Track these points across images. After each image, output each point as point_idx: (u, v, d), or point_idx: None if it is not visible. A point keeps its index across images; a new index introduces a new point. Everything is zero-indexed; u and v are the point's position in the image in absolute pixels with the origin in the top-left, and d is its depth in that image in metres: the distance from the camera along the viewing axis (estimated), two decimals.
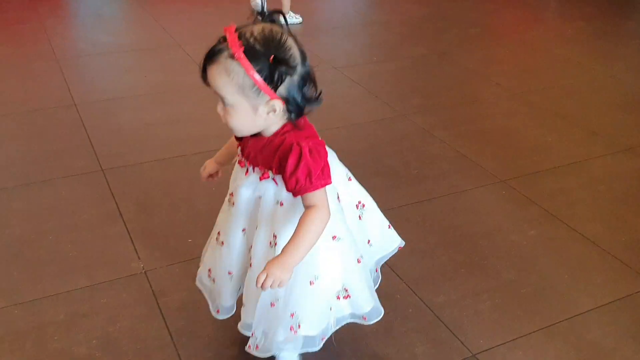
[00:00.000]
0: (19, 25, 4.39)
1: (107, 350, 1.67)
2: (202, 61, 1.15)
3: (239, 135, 1.26)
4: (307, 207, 1.22)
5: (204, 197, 2.37)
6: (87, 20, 4.81)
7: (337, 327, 1.46)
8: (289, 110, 1.17)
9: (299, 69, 1.13)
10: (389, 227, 1.57)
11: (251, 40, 1.09)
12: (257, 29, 1.12)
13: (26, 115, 3.03)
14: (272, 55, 1.09)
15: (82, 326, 1.74)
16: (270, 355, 1.45)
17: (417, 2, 5.29)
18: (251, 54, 1.09)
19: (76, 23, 4.83)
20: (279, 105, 1.14)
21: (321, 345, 1.44)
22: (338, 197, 1.35)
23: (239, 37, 1.10)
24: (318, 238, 1.22)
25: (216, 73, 1.12)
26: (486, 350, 1.71)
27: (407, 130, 3.00)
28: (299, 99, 1.15)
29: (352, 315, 1.46)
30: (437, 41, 4.37)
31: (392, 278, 1.98)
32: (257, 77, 1.09)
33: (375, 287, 1.56)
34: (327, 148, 1.29)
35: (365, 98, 3.38)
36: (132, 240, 2.11)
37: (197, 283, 1.63)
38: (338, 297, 1.40)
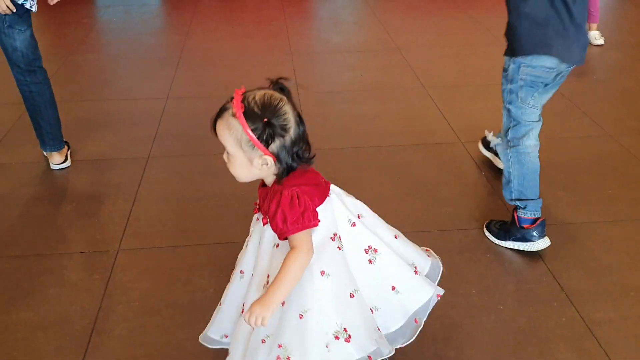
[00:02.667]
0: (267, 23, 5.04)
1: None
2: (214, 116, 1.35)
3: (240, 180, 1.39)
4: (291, 248, 1.34)
5: (386, 184, 2.59)
6: (323, 23, 5.33)
7: None
8: (280, 165, 1.32)
9: (292, 132, 1.30)
10: (417, 274, 1.54)
11: (252, 103, 1.28)
12: (259, 94, 1.30)
13: None
14: (266, 119, 1.26)
15: None
16: None
17: None
18: (249, 115, 1.27)
19: (314, 24, 5.38)
20: (270, 160, 1.30)
21: None
22: (334, 237, 1.41)
23: (243, 100, 1.28)
24: (298, 278, 1.33)
25: (221, 127, 1.31)
26: None
27: (611, 150, 2.88)
28: (288, 157, 1.31)
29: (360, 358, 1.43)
30: None
31: (552, 285, 1.99)
32: (252, 134, 1.26)
33: (409, 341, 1.52)
34: (336, 192, 1.45)
35: (572, 113, 3.30)
36: None
37: None
38: (337, 338, 1.39)
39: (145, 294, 1.98)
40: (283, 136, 1.28)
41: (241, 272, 1.52)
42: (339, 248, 1.42)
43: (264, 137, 1.27)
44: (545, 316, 1.87)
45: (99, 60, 4.28)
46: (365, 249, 1.47)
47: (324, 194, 1.42)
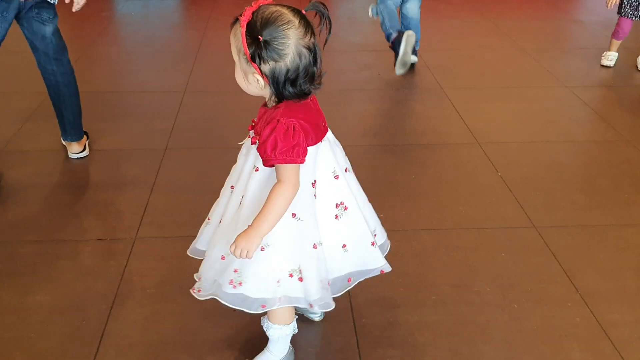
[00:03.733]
0: None
1: None
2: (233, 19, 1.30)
3: (244, 91, 1.37)
4: (277, 181, 1.32)
5: (402, 182, 2.60)
6: (341, 21, 5.33)
7: (287, 305, 1.48)
8: (273, 90, 1.28)
9: (290, 60, 1.23)
10: (373, 245, 1.52)
11: (257, 17, 1.22)
12: (271, 10, 1.24)
13: None
14: (261, 37, 1.21)
15: None
16: (209, 296, 1.50)
17: None
18: (250, 28, 1.22)
19: (332, 23, 5.38)
20: (261, 79, 1.26)
21: (259, 311, 1.47)
22: (314, 184, 1.40)
23: (256, 11, 1.23)
24: (282, 212, 1.32)
25: (231, 33, 1.30)
26: None
27: (629, 156, 2.87)
28: (280, 85, 1.25)
29: (304, 300, 1.47)
30: None
31: (567, 286, 1.99)
32: (247, 48, 1.23)
33: (339, 294, 1.54)
34: (330, 141, 1.42)
35: (590, 119, 3.29)
36: None
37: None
38: (291, 275, 1.43)
39: (161, 281, 1.99)
40: (276, 60, 1.23)
41: (231, 187, 1.50)
42: (315, 196, 1.41)
43: (256, 56, 1.23)
44: (559, 316, 1.87)
45: (117, 53, 4.32)
46: (337, 204, 1.44)
47: (318, 137, 1.38)
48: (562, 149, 2.93)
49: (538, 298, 1.95)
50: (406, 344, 1.76)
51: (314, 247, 1.42)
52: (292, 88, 1.27)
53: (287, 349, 1.64)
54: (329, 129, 1.45)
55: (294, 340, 1.69)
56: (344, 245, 1.48)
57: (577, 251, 2.17)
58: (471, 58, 4.19)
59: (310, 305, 1.48)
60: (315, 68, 1.27)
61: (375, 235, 1.58)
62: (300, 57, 1.24)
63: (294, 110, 1.30)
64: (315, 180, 1.40)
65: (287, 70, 1.24)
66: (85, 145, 2.79)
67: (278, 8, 1.25)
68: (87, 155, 2.78)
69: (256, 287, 1.43)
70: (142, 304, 1.90)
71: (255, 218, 1.32)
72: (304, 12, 1.27)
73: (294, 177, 1.31)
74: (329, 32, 1.29)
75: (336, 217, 1.44)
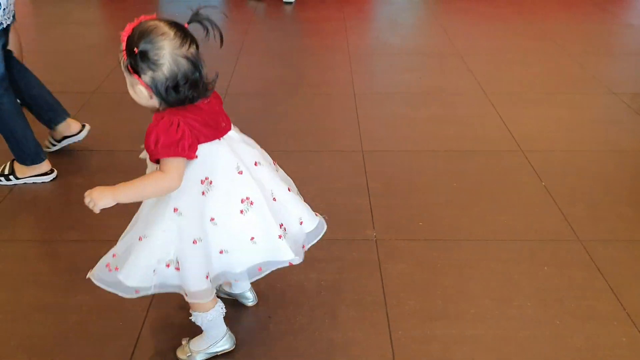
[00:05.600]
0: (326, 23, 5.05)
1: (331, 292, 1.96)
2: None
3: (138, 103, 1.43)
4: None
5: (443, 189, 2.55)
6: (382, 24, 5.30)
7: (160, 292, 1.54)
8: (158, 98, 1.35)
9: (167, 69, 1.31)
10: (280, 238, 1.54)
11: (136, 31, 1.31)
12: (149, 24, 1.32)
13: (312, 96, 3.54)
14: (136, 49, 1.29)
15: (316, 268, 2.06)
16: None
17: None
18: (128, 41, 1.31)
19: (372, 26, 5.36)
20: (144, 90, 1.34)
21: (133, 296, 1.54)
22: (204, 181, 1.43)
23: (135, 26, 1.32)
24: (148, 195, 1.43)
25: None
26: None
27: None
28: (162, 92, 1.33)
29: (179, 287, 1.54)
30: None
31: (613, 303, 1.92)
32: (126, 60, 1.32)
33: (246, 282, 1.66)
34: (230, 139, 1.47)
35: (639, 127, 3.17)
36: (371, 212, 2.38)
37: None
38: (168, 265, 1.48)
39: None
40: (154, 70, 1.31)
41: None
42: (203, 193, 1.44)
43: (134, 67, 1.31)
44: (604, 335, 1.80)
45: None
46: (242, 199, 1.47)
47: (212, 136, 1.43)
48: (609, 158, 2.83)
49: (582, 315, 1.88)
50: (444, 359, 1.72)
51: (194, 242, 1.46)
52: (176, 94, 1.34)
53: (223, 334, 1.70)
54: (232, 127, 1.51)
55: (331, 351, 1.67)
56: (252, 238, 1.51)
57: (625, 266, 2.09)
58: (515, 62, 4.10)
59: (185, 294, 1.54)
60: (197, 75, 1.35)
61: (302, 222, 1.62)
62: (177, 66, 1.32)
63: (180, 109, 1.38)
64: (207, 177, 1.44)
65: (166, 79, 1.32)
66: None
67: (155, 22, 1.33)
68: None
69: (133, 277, 1.49)
70: (181, 306, 1.90)
71: (122, 183, 1.41)
72: (186, 25, 1.36)
73: (174, 172, 1.37)
74: (222, 40, 1.41)
75: (241, 212, 1.48)
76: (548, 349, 1.76)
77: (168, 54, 1.31)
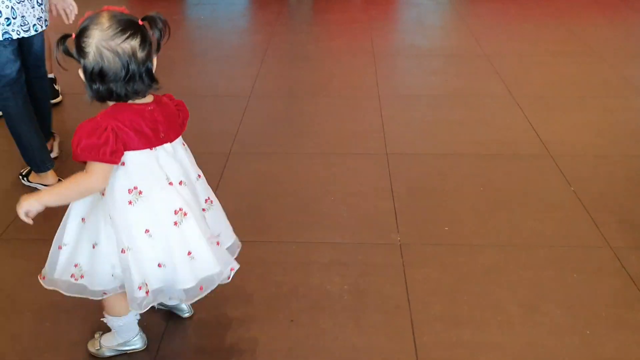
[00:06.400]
0: (352, 24, 5.02)
1: (354, 296, 1.94)
2: None
3: None
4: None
5: (469, 193, 2.51)
6: (408, 26, 5.26)
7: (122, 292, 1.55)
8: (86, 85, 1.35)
9: (92, 58, 1.30)
10: (217, 245, 1.57)
11: (87, 17, 1.33)
12: (97, 13, 1.32)
13: (336, 98, 3.52)
14: (73, 34, 1.32)
15: (339, 271, 2.04)
16: (51, 287, 1.58)
17: None
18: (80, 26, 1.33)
19: (399, 27, 5.32)
20: (81, 74, 1.35)
21: (103, 297, 1.57)
22: (132, 190, 1.42)
23: (93, 13, 1.34)
24: (71, 196, 1.44)
25: None
26: None
27: None
28: (88, 80, 1.33)
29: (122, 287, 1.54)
30: None
31: None
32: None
33: (189, 302, 1.67)
34: (169, 150, 1.44)
35: None
36: (396, 216, 2.35)
37: None
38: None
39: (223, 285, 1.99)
40: (83, 57, 1.31)
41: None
42: (130, 203, 1.43)
43: (73, 51, 1.32)
44: (636, 345, 1.75)
45: (184, 57, 4.38)
46: (175, 210, 1.46)
47: (144, 145, 1.40)
48: None
49: (613, 324, 1.83)
50: None
51: (122, 251, 1.45)
52: (99, 87, 1.33)
53: (134, 335, 1.71)
54: (177, 140, 1.49)
55: (354, 357, 1.64)
56: (189, 253, 1.49)
57: None
58: (544, 65, 4.03)
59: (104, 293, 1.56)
60: (124, 74, 1.31)
61: (218, 243, 1.60)
62: (102, 58, 1.30)
63: (118, 112, 1.37)
64: (135, 187, 1.42)
65: (92, 68, 1.31)
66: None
67: (103, 12, 1.33)
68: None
69: (97, 281, 1.53)
70: (206, 307, 1.89)
71: (48, 188, 1.51)
72: (140, 22, 1.34)
73: (97, 173, 1.38)
74: (166, 37, 1.40)
75: (175, 223, 1.46)
76: (577, 358, 1.71)
77: (94, 44, 1.29)
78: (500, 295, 1.95)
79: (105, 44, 1.29)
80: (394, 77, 3.92)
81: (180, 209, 1.46)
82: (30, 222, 1.42)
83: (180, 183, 1.48)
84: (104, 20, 1.30)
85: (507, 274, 2.04)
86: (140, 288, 1.48)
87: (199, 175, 1.58)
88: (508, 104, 3.40)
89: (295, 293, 1.96)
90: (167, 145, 1.45)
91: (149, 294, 1.49)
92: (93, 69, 1.31)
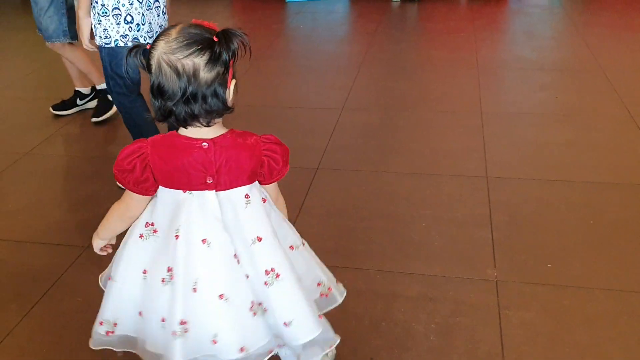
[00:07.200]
0: (454, 35, 4.81)
1: (441, 338, 1.77)
2: None
3: None
4: None
5: (577, 226, 2.25)
6: (516, 36, 4.96)
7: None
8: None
9: (154, 72, 1.17)
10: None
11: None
12: (177, 26, 1.20)
13: (435, 113, 3.33)
14: (148, 45, 1.21)
15: (427, 308, 1.88)
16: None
17: None
18: None
19: (505, 38, 5.03)
20: None
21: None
22: (150, 226, 1.32)
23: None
24: (113, 223, 1.39)
25: None
26: None
27: None
28: (150, 97, 1.20)
29: None
30: None
31: None
32: None
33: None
34: (213, 197, 1.25)
35: None
36: (493, 248, 2.15)
37: None
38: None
39: None
40: (147, 70, 1.20)
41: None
42: (141, 236, 1.33)
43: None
44: None
45: (280, 67, 4.36)
46: (169, 267, 1.29)
47: (178, 185, 1.26)
48: None
49: None
50: None
51: (108, 279, 1.41)
52: (162, 103, 1.18)
53: None
54: (232, 189, 1.28)
55: None
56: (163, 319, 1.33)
57: None
58: None
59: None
60: (180, 93, 1.15)
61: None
62: (160, 72, 1.16)
63: (162, 146, 1.25)
64: (153, 223, 1.32)
65: (152, 83, 1.19)
66: None
67: (179, 24, 1.21)
68: None
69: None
70: None
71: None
72: (215, 38, 1.17)
73: (125, 199, 1.33)
74: (239, 57, 1.24)
75: (163, 280, 1.30)
76: None
77: (156, 56, 1.17)
78: (609, 349, 1.71)
79: (165, 57, 1.15)
80: (499, 93, 3.68)
81: (170, 269, 1.28)
82: (105, 254, 1.46)
83: (178, 237, 1.26)
84: (173, 32, 1.17)
85: (619, 325, 1.79)
86: (101, 324, 1.40)
87: (259, 238, 1.32)
88: (626, 125, 3.07)
89: (377, 328, 1.82)
90: (211, 195, 1.26)
91: (113, 335, 1.40)
92: (153, 83, 1.18)
